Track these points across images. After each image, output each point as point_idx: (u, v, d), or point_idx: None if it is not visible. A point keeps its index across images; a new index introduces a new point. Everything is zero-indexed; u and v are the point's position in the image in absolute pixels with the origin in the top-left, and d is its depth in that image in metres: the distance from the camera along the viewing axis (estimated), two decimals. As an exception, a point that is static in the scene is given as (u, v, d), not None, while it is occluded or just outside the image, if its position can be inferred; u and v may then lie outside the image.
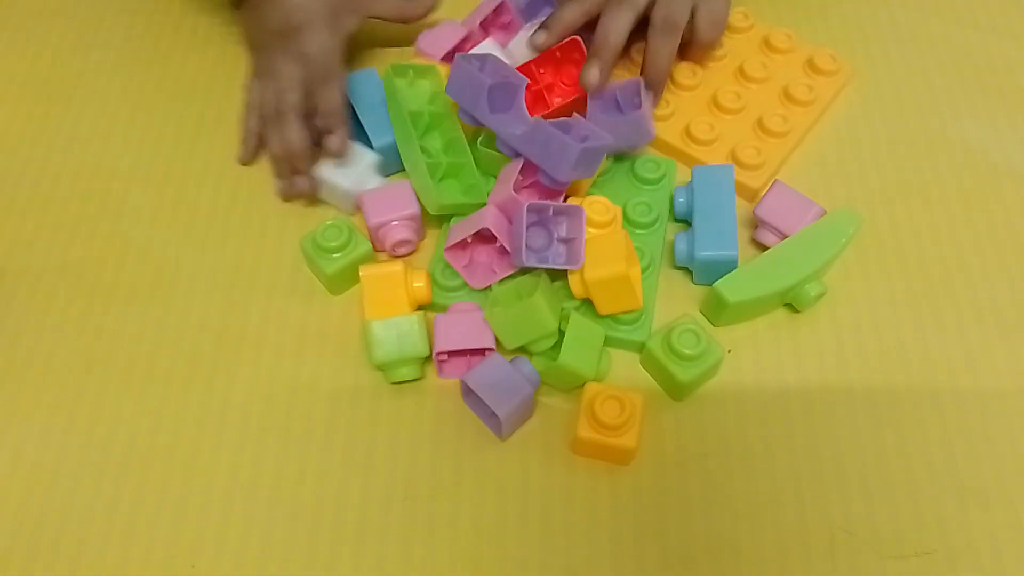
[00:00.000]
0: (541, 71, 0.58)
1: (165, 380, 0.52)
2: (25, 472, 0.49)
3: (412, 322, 0.50)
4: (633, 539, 0.46)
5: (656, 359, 0.50)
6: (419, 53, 0.61)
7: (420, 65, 0.57)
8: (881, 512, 0.47)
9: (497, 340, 0.50)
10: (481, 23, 0.62)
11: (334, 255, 0.53)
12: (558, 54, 0.58)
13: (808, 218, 0.53)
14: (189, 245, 0.57)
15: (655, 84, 0.58)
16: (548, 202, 0.50)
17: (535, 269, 0.50)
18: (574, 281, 0.50)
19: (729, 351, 0.52)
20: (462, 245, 0.52)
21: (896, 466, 0.49)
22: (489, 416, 0.48)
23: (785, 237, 0.53)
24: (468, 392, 0.48)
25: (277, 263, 0.55)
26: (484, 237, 0.52)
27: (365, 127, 0.57)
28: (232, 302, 0.54)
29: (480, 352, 0.50)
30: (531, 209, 0.49)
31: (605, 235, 0.51)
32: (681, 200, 0.55)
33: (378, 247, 0.55)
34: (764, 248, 0.54)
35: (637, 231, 0.55)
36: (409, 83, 0.57)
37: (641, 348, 0.51)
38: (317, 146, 0.56)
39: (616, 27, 0.55)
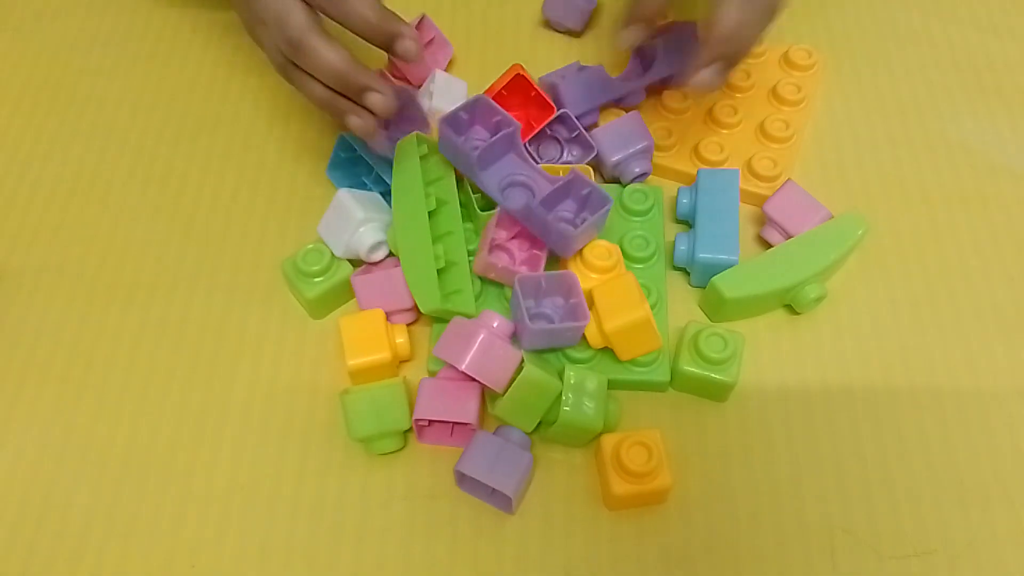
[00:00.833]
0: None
1: (165, 380, 0.52)
2: (25, 472, 0.49)
3: (392, 394, 0.47)
4: (633, 539, 0.46)
5: (693, 375, 0.49)
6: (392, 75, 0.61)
7: (434, 141, 0.53)
8: (881, 512, 0.47)
9: (485, 407, 0.48)
10: (427, 43, 0.60)
11: (315, 279, 0.52)
12: (504, 92, 0.56)
13: (815, 220, 0.53)
14: (189, 245, 0.57)
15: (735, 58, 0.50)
16: (539, 274, 0.49)
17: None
18: (591, 332, 0.48)
19: None
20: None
21: (896, 466, 0.48)
22: (491, 495, 0.46)
23: (790, 237, 0.53)
24: (463, 479, 0.46)
25: (279, 261, 0.55)
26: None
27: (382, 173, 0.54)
28: (232, 302, 0.54)
29: (462, 424, 0.47)
30: (522, 283, 0.48)
31: (613, 279, 0.49)
32: (684, 201, 0.55)
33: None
34: (769, 246, 0.54)
35: (636, 266, 0.53)
36: (422, 156, 0.52)
37: (664, 388, 0.51)
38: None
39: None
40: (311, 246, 0.52)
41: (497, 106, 0.51)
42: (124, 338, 0.53)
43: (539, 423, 0.47)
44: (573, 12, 0.65)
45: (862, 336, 0.53)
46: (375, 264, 0.53)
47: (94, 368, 0.52)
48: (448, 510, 0.47)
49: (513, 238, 0.52)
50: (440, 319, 0.51)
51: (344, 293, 0.53)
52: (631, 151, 0.56)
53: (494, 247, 0.51)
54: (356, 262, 0.53)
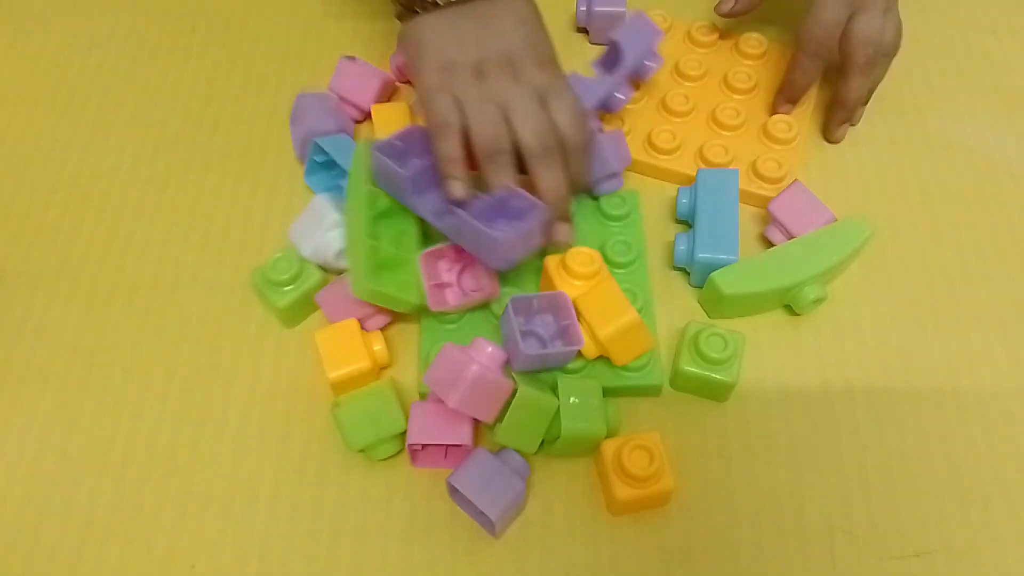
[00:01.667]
0: None
1: (165, 380, 0.51)
2: (25, 472, 0.49)
3: (383, 398, 0.47)
4: (633, 539, 0.46)
5: (693, 375, 0.49)
6: (340, 96, 0.60)
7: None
8: (881, 512, 0.47)
9: (478, 427, 0.48)
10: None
11: (285, 288, 0.51)
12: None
13: (819, 222, 0.53)
14: (189, 245, 0.57)
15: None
16: (531, 295, 0.48)
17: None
18: (585, 345, 0.48)
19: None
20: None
21: (896, 466, 0.48)
22: (478, 513, 0.45)
23: (792, 238, 0.53)
24: (455, 491, 0.46)
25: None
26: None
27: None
28: (232, 302, 0.54)
29: (457, 446, 0.47)
30: (515, 304, 0.48)
31: (596, 286, 0.49)
32: (684, 201, 0.55)
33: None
34: (771, 245, 0.54)
35: (619, 271, 0.53)
36: None
37: (658, 392, 0.51)
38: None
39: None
40: (279, 255, 0.52)
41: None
42: (124, 338, 0.53)
43: (542, 442, 0.47)
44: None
45: (862, 336, 0.53)
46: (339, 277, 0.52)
47: (94, 368, 0.52)
48: (448, 512, 0.47)
49: (455, 269, 0.52)
50: (428, 326, 0.52)
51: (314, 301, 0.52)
52: (601, 175, 0.55)
53: (439, 286, 0.51)
54: (321, 281, 0.53)
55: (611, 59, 0.57)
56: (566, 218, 0.50)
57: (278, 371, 0.52)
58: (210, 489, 0.48)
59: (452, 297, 0.51)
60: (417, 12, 0.51)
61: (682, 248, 0.53)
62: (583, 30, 0.67)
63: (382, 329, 0.52)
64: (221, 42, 0.67)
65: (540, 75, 0.50)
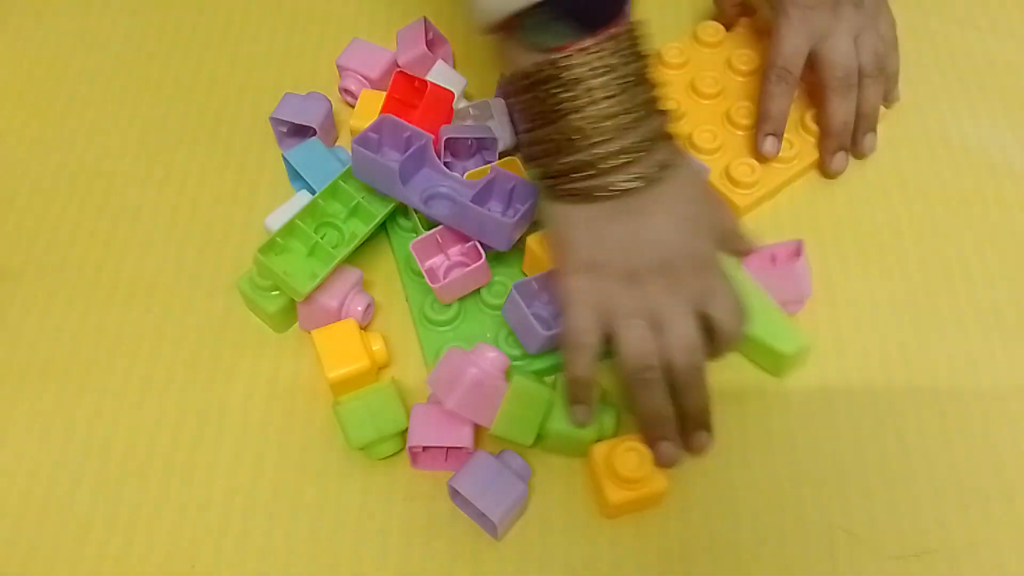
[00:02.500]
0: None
1: (165, 380, 0.51)
2: (25, 472, 0.49)
3: (384, 397, 0.47)
4: (633, 539, 0.46)
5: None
6: (344, 70, 0.61)
7: None
8: (881, 512, 0.47)
9: (478, 429, 0.48)
10: (427, 42, 0.61)
11: (273, 292, 0.51)
12: (396, 96, 0.57)
13: (790, 294, 0.51)
14: (190, 245, 0.57)
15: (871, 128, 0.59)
16: (531, 278, 0.49)
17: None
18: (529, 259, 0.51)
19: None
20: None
21: (896, 466, 0.48)
22: (479, 515, 0.45)
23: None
24: (456, 494, 0.46)
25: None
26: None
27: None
28: (233, 302, 0.54)
29: (457, 448, 0.47)
30: (520, 288, 0.48)
31: None
32: None
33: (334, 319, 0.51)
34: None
35: None
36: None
37: None
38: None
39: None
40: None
41: (404, 122, 0.51)
42: (124, 338, 0.53)
43: (539, 436, 0.47)
44: None
45: (862, 336, 0.53)
46: None
47: (94, 368, 0.52)
48: (449, 512, 0.47)
49: (442, 252, 0.53)
50: (425, 330, 0.52)
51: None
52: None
53: (433, 271, 0.51)
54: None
55: None
56: (707, 427, 0.46)
57: (278, 371, 0.52)
58: (210, 489, 0.48)
59: (444, 271, 0.52)
60: (565, 196, 0.45)
61: None
62: None
63: (367, 327, 0.52)
64: (221, 42, 0.67)
65: (698, 281, 0.44)
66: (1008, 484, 0.48)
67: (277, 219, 0.54)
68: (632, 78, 0.43)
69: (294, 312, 0.52)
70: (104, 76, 0.65)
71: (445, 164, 0.53)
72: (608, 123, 0.42)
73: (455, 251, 0.53)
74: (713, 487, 0.48)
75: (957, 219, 0.58)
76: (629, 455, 0.45)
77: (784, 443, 0.49)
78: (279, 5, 0.69)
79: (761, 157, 0.57)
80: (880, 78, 0.57)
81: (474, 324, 0.52)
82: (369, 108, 0.58)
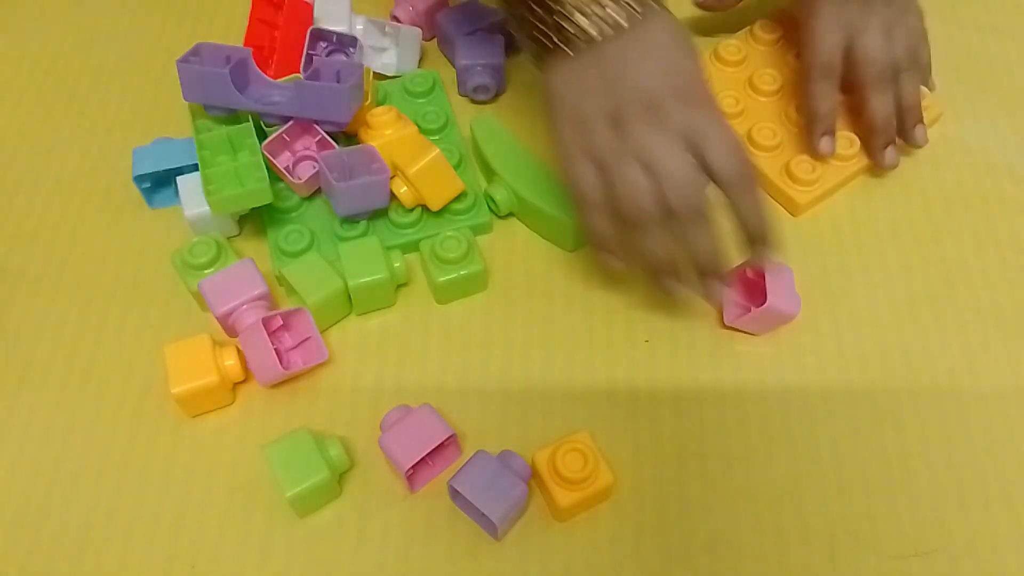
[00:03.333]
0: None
1: (166, 380, 0.51)
2: (25, 472, 0.49)
3: (300, 440, 0.46)
4: (633, 539, 0.46)
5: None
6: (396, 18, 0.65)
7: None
8: (881, 512, 0.47)
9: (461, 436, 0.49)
10: None
11: (205, 272, 0.52)
12: (259, 18, 0.59)
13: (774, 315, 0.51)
14: (189, 245, 0.57)
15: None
16: (340, 150, 0.54)
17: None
18: (402, 192, 0.54)
19: (647, 340, 0.52)
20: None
21: (896, 466, 0.48)
22: (479, 515, 0.45)
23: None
24: (456, 494, 0.46)
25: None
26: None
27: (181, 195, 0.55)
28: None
29: (441, 447, 0.47)
30: (327, 159, 0.53)
31: (400, 138, 0.55)
32: None
33: (231, 335, 0.52)
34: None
35: (434, 137, 0.60)
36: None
37: (489, 229, 0.57)
38: None
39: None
40: (197, 239, 0.53)
41: (221, 44, 0.54)
42: (124, 338, 0.53)
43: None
44: None
45: (862, 336, 0.53)
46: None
47: (94, 368, 0.52)
48: (449, 512, 0.47)
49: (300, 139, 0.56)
50: (271, 216, 0.56)
51: None
52: (478, 61, 0.61)
53: (293, 167, 0.55)
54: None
55: None
56: (718, 272, 0.47)
57: (278, 371, 0.52)
58: (210, 489, 0.48)
59: (302, 170, 0.55)
60: (549, 58, 0.46)
61: None
62: None
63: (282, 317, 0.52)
64: (223, 42, 0.66)
65: (686, 113, 0.44)
66: (1008, 484, 0.48)
67: (192, 204, 0.54)
68: None
69: None
70: (104, 76, 0.65)
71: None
72: None
73: (300, 145, 0.55)
74: (713, 487, 0.48)
75: (957, 219, 0.58)
76: (571, 456, 0.46)
77: (784, 443, 0.49)
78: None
79: (819, 156, 0.57)
80: (915, 70, 0.57)
81: (318, 212, 0.57)
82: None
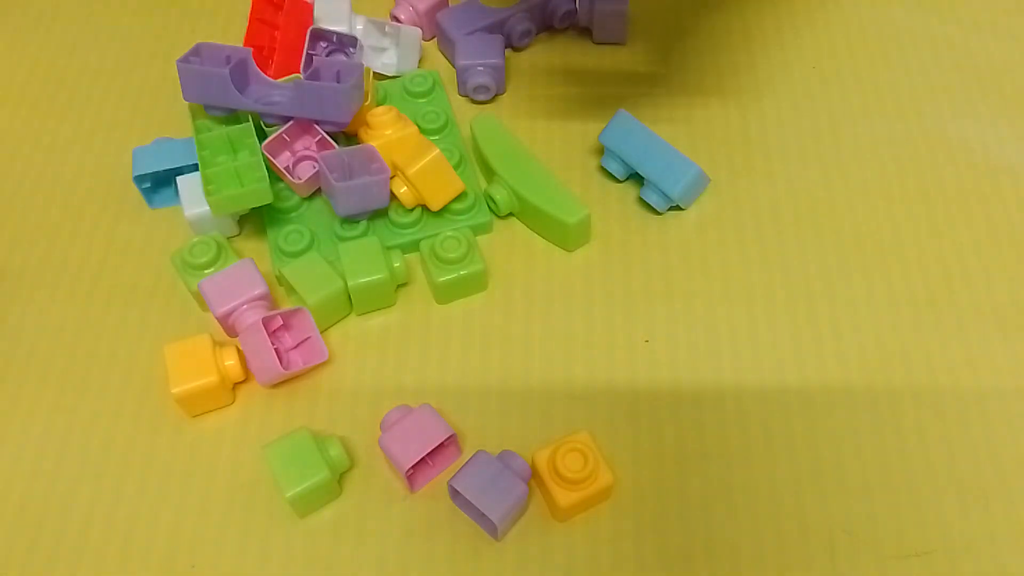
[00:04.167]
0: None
1: (166, 380, 0.51)
2: (25, 472, 0.49)
3: (300, 440, 0.46)
4: (633, 539, 0.46)
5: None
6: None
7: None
8: (881, 512, 0.47)
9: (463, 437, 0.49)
10: None
11: (205, 272, 0.52)
12: (258, 19, 0.59)
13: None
14: (189, 245, 0.57)
15: None
16: (340, 150, 0.53)
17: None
18: (402, 192, 0.54)
19: (647, 341, 0.52)
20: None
21: (896, 466, 0.49)
22: (479, 516, 0.45)
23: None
24: (456, 494, 0.46)
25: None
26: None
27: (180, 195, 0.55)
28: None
29: (441, 447, 0.47)
30: (327, 159, 0.52)
31: (400, 138, 0.54)
32: (615, 166, 0.57)
33: (231, 335, 0.52)
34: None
35: (435, 137, 0.60)
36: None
37: (489, 229, 0.57)
38: None
39: None
40: (197, 239, 0.53)
41: (221, 44, 0.54)
42: (124, 338, 0.53)
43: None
44: None
45: (862, 336, 0.53)
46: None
47: (94, 368, 0.52)
48: (449, 512, 0.47)
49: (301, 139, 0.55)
50: (271, 216, 0.56)
51: None
52: (478, 61, 0.61)
53: (293, 167, 0.55)
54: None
55: None
56: None
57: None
58: (210, 489, 0.48)
59: (302, 170, 0.55)
60: None
61: (656, 198, 0.56)
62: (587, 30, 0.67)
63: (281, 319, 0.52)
64: (223, 41, 0.66)
65: None
66: (1008, 484, 0.48)
67: (192, 204, 0.54)
68: None
69: None
70: (104, 76, 0.65)
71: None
72: None
73: (300, 145, 0.55)
74: (713, 487, 0.48)
75: (957, 219, 0.58)
76: (572, 456, 0.45)
77: (784, 443, 0.49)
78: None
79: None
80: None
81: (319, 213, 0.56)
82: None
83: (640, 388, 0.51)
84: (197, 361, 0.48)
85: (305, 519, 0.47)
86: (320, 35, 0.59)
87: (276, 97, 0.54)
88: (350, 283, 0.51)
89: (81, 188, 0.60)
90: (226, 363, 0.49)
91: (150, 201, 0.58)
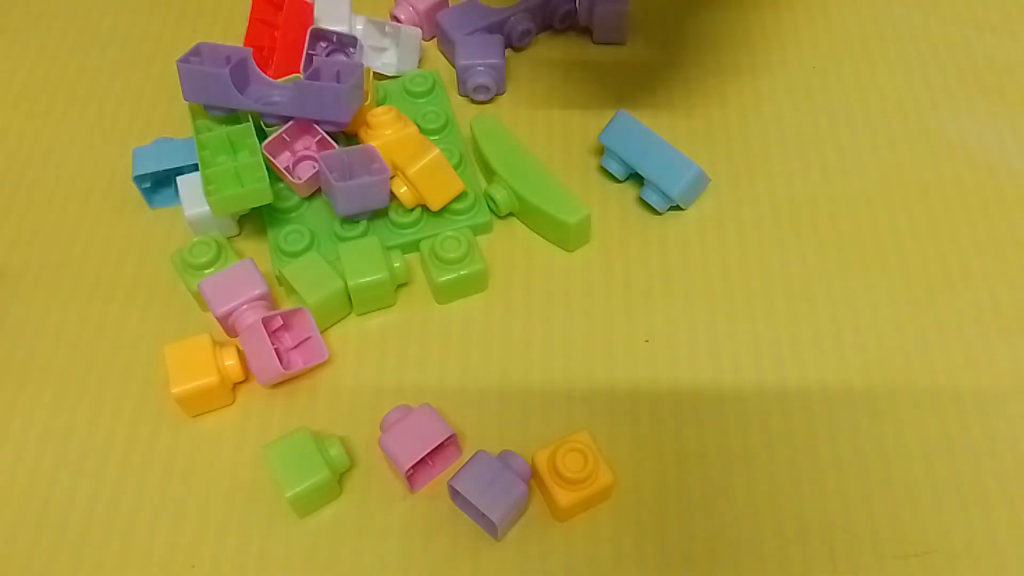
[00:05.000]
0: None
1: (165, 380, 0.51)
2: (25, 472, 0.49)
3: (300, 440, 0.46)
4: (633, 539, 0.46)
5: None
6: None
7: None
8: (881, 512, 0.47)
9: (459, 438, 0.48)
10: None
11: (205, 272, 0.52)
12: (259, 18, 0.59)
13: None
14: (189, 245, 0.57)
15: None
16: (340, 150, 0.53)
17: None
18: (402, 192, 0.54)
19: (647, 341, 0.52)
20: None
21: (896, 466, 0.48)
22: (479, 516, 0.45)
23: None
24: (456, 494, 0.46)
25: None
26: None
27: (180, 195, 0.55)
28: (232, 302, 0.54)
29: (441, 447, 0.47)
30: (327, 159, 0.52)
31: (399, 138, 0.54)
32: (615, 166, 0.57)
33: (231, 335, 0.52)
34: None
35: (434, 137, 0.59)
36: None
37: (489, 229, 0.57)
38: None
39: None
40: (197, 239, 0.53)
41: (221, 44, 0.54)
42: (124, 337, 0.53)
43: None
44: None
45: (862, 336, 0.53)
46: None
47: (94, 368, 0.52)
48: (449, 512, 0.47)
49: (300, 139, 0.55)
50: (271, 217, 0.56)
51: None
52: (478, 61, 0.61)
53: (293, 167, 0.55)
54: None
55: None
56: None
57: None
58: (210, 489, 0.48)
59: (302, 170, 0.55)
60: None
61: (656, 198, 0.56)
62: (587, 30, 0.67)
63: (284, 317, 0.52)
64: (223, 41, 0.66)
65: None
66: (1008, 484, 0.48)
67: (192, 204, 0.54)
68: None
69: None
70: (104, 76, 0.65)
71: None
72: None
73: (300, 145, 0.55)
74: (713, 487, 0.48)
75: (957, 219, 0.58)
76: (572, 456, 0.45)
77: (784, 443, 0.49)
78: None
79: None
80: None
81: (319, 214, 0.56)
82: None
83: (640, 388, 0.51)
84: (197, 361, 0.48)
85: (305, 519, 0.47)
86: (320, 35, 0.59)
87: (276, 97, 0.54)
88: (350, 283, 0.51)
89: (81, 188, 0.60)
90: (226, 363, 0.49)
91: (150, 201, 0.58)
